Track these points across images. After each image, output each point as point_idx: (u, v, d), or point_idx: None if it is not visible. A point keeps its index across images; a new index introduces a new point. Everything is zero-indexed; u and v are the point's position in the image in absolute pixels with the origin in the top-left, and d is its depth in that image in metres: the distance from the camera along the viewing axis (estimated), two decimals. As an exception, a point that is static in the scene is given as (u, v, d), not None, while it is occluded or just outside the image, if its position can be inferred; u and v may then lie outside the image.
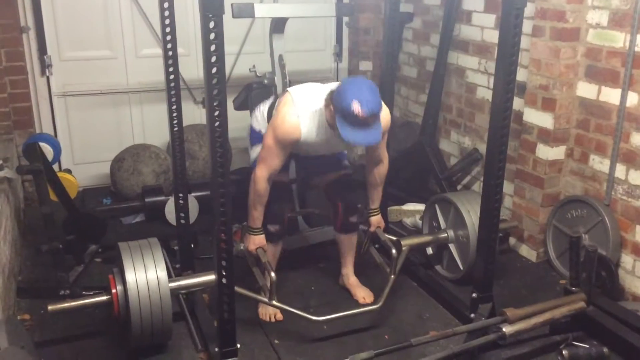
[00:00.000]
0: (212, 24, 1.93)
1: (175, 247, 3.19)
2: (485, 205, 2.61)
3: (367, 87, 2.39)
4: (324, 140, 2.62)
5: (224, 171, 2.12)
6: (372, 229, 2.97)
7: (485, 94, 3.73)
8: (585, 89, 3.10)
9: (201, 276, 2.56)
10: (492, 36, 3.58)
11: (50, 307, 2.36)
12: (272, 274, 2.61)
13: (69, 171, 4.09)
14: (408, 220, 3.86)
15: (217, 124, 2.05)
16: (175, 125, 2.83)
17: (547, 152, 3.24)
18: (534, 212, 3.38)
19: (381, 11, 3.40)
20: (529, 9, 2.89)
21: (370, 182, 2.91)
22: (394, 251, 2.83)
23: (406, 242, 3.02)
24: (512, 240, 3.56)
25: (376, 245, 3.06)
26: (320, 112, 2.56)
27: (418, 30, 4.34)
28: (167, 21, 2.67)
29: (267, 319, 2.83)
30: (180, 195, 2.94)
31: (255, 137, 2.87)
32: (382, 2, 3.39)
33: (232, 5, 2.90)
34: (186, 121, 3.05)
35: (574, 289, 2.64)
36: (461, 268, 3.08)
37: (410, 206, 3.92)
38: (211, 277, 2.45)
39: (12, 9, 3.76)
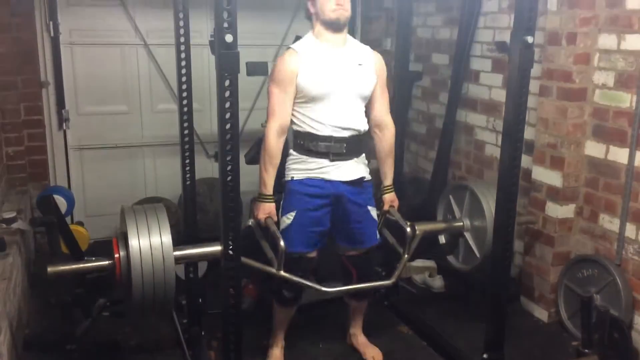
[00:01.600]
0: (227, 82, 2.00)
1: (183, 302, 3.18)
2: (495, 263, 2.60)
3: None
4: (327, 67, 2.55)
5: (235, 225, 2.14)
6: (385, 207, 2.85)
7: (493, 151, 3.77)
8: (593, 148, 3.13)
9: (207, 246, 2.45)
10: (500, 95, 3.64)
11: (49, 269, 2.30)
12: (282, 243, 2.48)
13: (81, 223, 4.12)
14: (417, 277, 3.83)
15: (229, 178, 2.08)
16: (188, 179, 2.88)
17: (556, 210, 3.24)
18: (544, 271, 3.35)
19: (391, 70, 3.48)
20: (536, 70, 2.95)
21: (379, 154, 2.81)
22: (408, 230, 2.74)
23: (421, 227, 2.90)
24: (523, 300, 3.51)
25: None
26: (313, 38, 2.59)
27: (427, 89, 4.42)
28: (184, 78, 2.76)
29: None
30: (190, 248, 2.95)
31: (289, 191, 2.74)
32: (392, 60, 3.48)
33: (246, 63, 2.98)
34: (198, 175, 3.09)
35: (586, 350, 2.59)
36: (478, 256, 2.98)
37: (419, 263, 3.89)
38: (217, 247, 2.34)
39: (33, 65, 3.89)
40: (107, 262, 2.37)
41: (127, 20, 4.15)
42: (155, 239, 2.28)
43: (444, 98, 4.16)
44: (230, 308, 2.24)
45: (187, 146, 2.85)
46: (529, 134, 3.20)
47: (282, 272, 2.52)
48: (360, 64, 2.62)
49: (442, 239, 3.25)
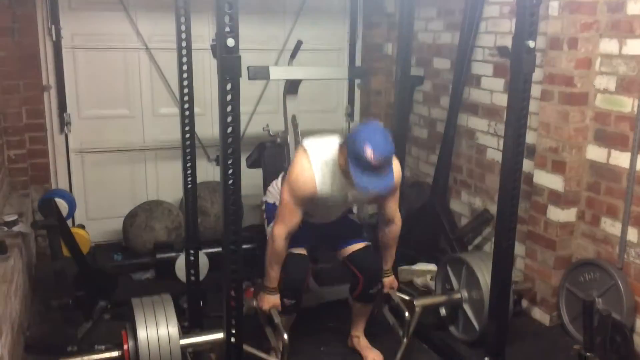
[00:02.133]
0: (229, 86, 2.00)
1: (185, 305, 3.17)
2: (496, 267, 2.60)
3: (380, 132, 2.39)
4: (339, 192, 2.60)
5: (237, 228, 2.14)
6: (385, 289, 2.93)
7: (495, 155, 3.77)
8: (595, 152, 3.13)
9: (212, 333, 2.53)
10: (501, 99, 3.65)
11: None
12: (285, 337, 2.57)
13: (82, 227, 4.13)
14: (419, 280, 3.83)
15: (230, 181, 2.09)
16: (189, 182, 2.88)
17: (558, 214, 3.24)
18: (546, 274, 3.35)
19: (392, 74, 3.48)
20: (537, 74, 2.96)
21: (383, 243, 2.90)
22: (407, 314, 2.81)
23: (419, 303, 2.98)
24: (525, 303, 3.50)
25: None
26: (334, 162, 2.55)
27: (428, 93, 4.43)
28: (185, 82, 2.76)
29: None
30: (191, 251, 2.95)
31: (271, 211, 2.84)
32: (393, 65, 3.48)
33: (248, 68, 2.99)
34: (199, 178, 3.10)
35: (588, 354, 2.59)
36: (477, 328, 3.02)
37: (421, 266, 3.89)
38: (221, 335, 2.42)
39: (35, 69, 3.90)
40: (116, 353, 2.46)
41: (129, 24, 4.16)
42: (163, 330, 2.40)
43: (445, 102, 4.16)
44: (231, 311, 2.24)
45: (188, 150, 2.85)
46: (530, 138, 3.20)
47: None
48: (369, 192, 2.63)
49: (442, 312, 3.29)
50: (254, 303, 2.75)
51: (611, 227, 3.07)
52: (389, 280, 2.94)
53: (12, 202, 3.69)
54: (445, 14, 4.19)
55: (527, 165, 3.06)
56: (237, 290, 2.20)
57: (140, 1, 4.14)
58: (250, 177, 3.19)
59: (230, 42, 1.95)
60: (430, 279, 3.77)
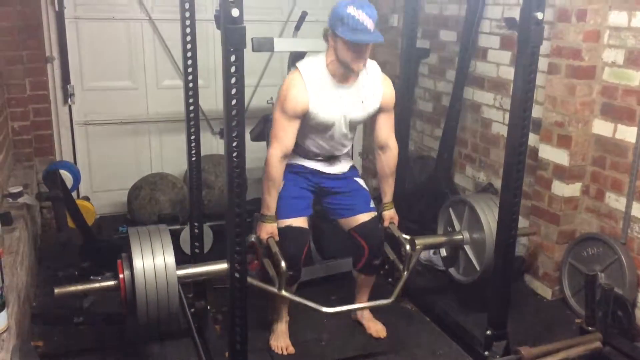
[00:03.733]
0: (233, 58, 1.98)
1: (189, 276, 3.20)
2: (500, 241, 2.60)
3: None
4: (333, 105, 2.58)
5: (241, 201, 2.15)
6: (385, 223, 2.89)
7: (500, 129, 3.75)
8: (601, 127, 3.11)
9: (212, 264, 2.53)
10: (508, 73, 3.61)
11: (56, 291, 2.36)
12: (283, 264, 2.52)
13: (87, 199, 4.14)
14: (422, 255, 3.84)
15: (235, 154, 2.08)
16: (194, 155, 2.88)
17: (562, 189, 3.23)
18: (549, 249, 3.35)
19: (398, 46, 3.45)
20: (545, 47, 2.92)
21: (381, 173, 2.87)
22: (407, 247, 2.78)
23: (420, 242, 2.95)
24: (527, 277, 3.52)
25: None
26: (325, 69, 2.58)
27: (434, 66, 4.39)
28: (189, 54, 2.74)
29: (279, 352, 2.82)
30: (196, 224, 2.96)
31: None
32: (398, 37, 3.45)
33: (252, 39, 2.96)
34: (203, 151, 3.09)
35: (589, 328, 2.61)
36: (477, 269, 3.02)
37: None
38: (223, 265, 2.40)
39: (37, 40, 3.87)
40: (112, 282, 2.44)
41: (132, -6, 4.12)
42: (159, 260, 2.36)
43: (451, 75, 4.12)
44: (236, 282, 2.25)
45: (192, 122, 2.84)
46: (536, 112, 3.18)
47: (283, 292, 2.59)
48: (362, 102, 2.64)
49: (443, 252, 3.28)
50: (252, 237, 2.70)
51: (615, 202, 3.06)
52: (389, 214, 2.90)
53: (16, 173, 3.70)
54: (452, -15, 4.13)
55: (532, 139, 3.05)
56: (241, 225, 2.18)
57: (143, -29, 4.10)
58: (254, 151, 3.18)
59: (235, 12, 1.93)
60: (434, 253, 3.79)
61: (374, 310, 3.07)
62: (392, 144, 2.82)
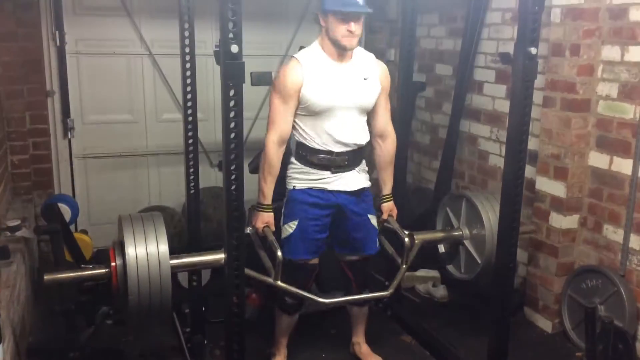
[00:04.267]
0: (232, 92, 2.01)
1: (186, 310, 3.18)
2: (498, 273, 2.60)
3: None
4: (331, 82, 2.55)
5: (239, 234, 2.15)
6: (384, 216, 2.86)
7: (497, 161, 3.77)
8: (597, 159, 3.13)
9: (207, 255, 2.44)
10: (503, 105, 3.65)
11: (46, 277, 2.30)
12: (279, 253, 2.48)
13: (85, 232, 4.13)
14: (421, 287, 3.83)
15: (233, 187, 2.09)
16: (192, 188, 2.89)
17: (560, 221, 3.24)
18: (548, 281, 3.34)
19: (395, 80, 3.49)
20: (539, 81, 2.96)
21: (380, 163, 2.82)
22: (406, 240, 2.75)
23: (419, 237, 2.90)
24: (527, 310, 3.50)
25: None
26: (319, 50, 2.57)
27: (431, 99, 4.44)
28: (189, 88, 2.78)
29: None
30: (194, 257, 2.95)
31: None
32: (395, 71, 3.50)
33: (251, 73, 2.99)
34: (202, 184, 3.10)
35: (590, 361, 2.58)
36: (479, 262, 2.96)
37: (423, 272, 3.89)
38: (219, 255, 2.34)
39: (39, 75, 3.91)
40: (104, 270, 2.38)
41: (132, 30, 4.18)
42: (152, 248, 2.28)
43: (447, 108, 4.17)
44: (233, 317, 2.24)
45: (191, 155, 2.86)
46: (532, 144, 3.21)
47: (279, 282, 2.53)
48: (365, 78, 2.62)
49: (441, 249, 3.24)
50: (248, 229, 2.64)
51: (613, 234, 3.06)
52: (388, 206, 2.86)
53: (15, 207, 3.70)
54: (447, 20, 4.20)
55: (529, 171, 3.07)
56: (240, 212, 2.15)
57: (144, 7, 4.16)
58: (253, 183, 3.19)
59: (234, 48, 1.96)
60: (433, 286, 3.77)
61: (372, 345, 3.04)
62: (390, 132, 2.78)
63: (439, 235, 3.15)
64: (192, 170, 2.88)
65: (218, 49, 2.02)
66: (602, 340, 2.54)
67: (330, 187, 2.64)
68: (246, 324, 2.30)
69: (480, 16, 3.78)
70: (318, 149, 2.61)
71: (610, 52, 3.01)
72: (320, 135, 2.60)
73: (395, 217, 2.88)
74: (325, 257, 3.01)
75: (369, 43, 4.77)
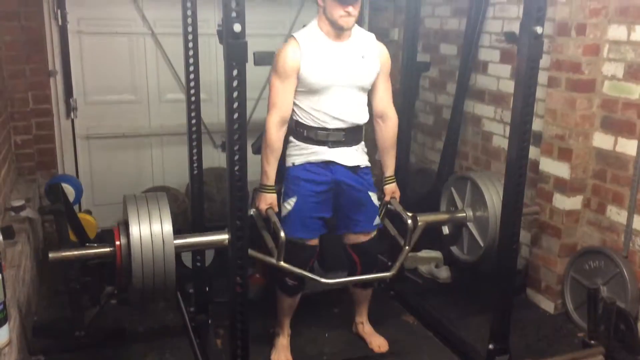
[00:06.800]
0: (235, 72, 2.00)
1: (191, 290, 3.20)
2: (502, 255, 2.60)
3: None
4: (330, 59, 2.55)
5: (242, 214, 2.15)
6: (386, 198, 2.86)
7: (501, 142, 3.76)
8: (602, 140, 3.11)
9: (211, 235, 2.45)
10: (508, 86, 3.63)
11: (51, 255, 2.32)
12: (282, 234, 2.49)
13: (89, 212, 4.14)
14: (424, 268, 3.84)
15: (236, 167, 2.09)
16: (195, 168, 2.89)
17: (563, 202, 3.23)
18: (551, 262, 3.35)
19: (398, 60, 3.46)
20: (545, 61, 2.94)
21: (381, 144, 2.83)
22: (409, 222, 2.75)
23: (422, 218, 2.90)
24: (529, 291, 3.51)
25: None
26: (317, 29, 2.57)
27: (435, 79, 4.41)
28: (191, 68, 2.77)
29: (280, 365, 2.81)
30: (197, 237, 2.96)
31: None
32: (399, 51, 3.47)
33: (254, 53, 2.96)
34: (205, 164, 3.10)
35: (592, 342, 2.60)
36: (481, 245, 2.98)
37: (425, 253, 3.90)
38: (223, 236, 2.34)
39: (41, 54, 3.89)
40: (108, 249, 2.39)
41: (134, 9, 4.14)
42: (156, 227, 2.29)
43: (451, 89, 4.14)
44: (237, 297, 2.25)
45: (194, 136, 2.86)
46: (536, 125, 3.19)
47: (282, 263, 2.54)
48: (363, 57, 2.61)
49: (445, 230, 3.24)
50: (251, 211, 2.65)
51: (617, 215, 3.06)
52: (390, 188, 2.87)
53: (19, 187, 3.71)
54: (452, -1, 4.16)
55: (533, 152, 3.06)
56: (243, 193, 2.16)
57: (146, -14, 4.13)
58: (256, 164, 3.19)
59: (237, 27, 1.95)
60: (436, 266, 3.79)
61: (375, 325, 3.06)
62: (391, 113, 2.77)
63: (443, 216, 3.15)
64: (195, 150, 2.88)
65: (221, 28, 2.01)
66: (605, 321, 2.55)
67: (326, 158, 2.65)
68: (250, 303, 2.31)
69: (486, -5, 3.74)
70: (315, 126, 2.62)
71: (617, 32, 2.98)
72: (318, 112, 2.60)
73: (398, 199, 2.88)
74: (330, 240, 3.02)
75: (373, 22, 4.74)
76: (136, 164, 4.41)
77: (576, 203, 3.24)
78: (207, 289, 3.11)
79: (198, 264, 3.04)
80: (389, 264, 3.32)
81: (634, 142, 2.92)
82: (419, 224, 2.85)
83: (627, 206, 3.00)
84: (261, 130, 3.37)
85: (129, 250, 2.28)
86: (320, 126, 2.61)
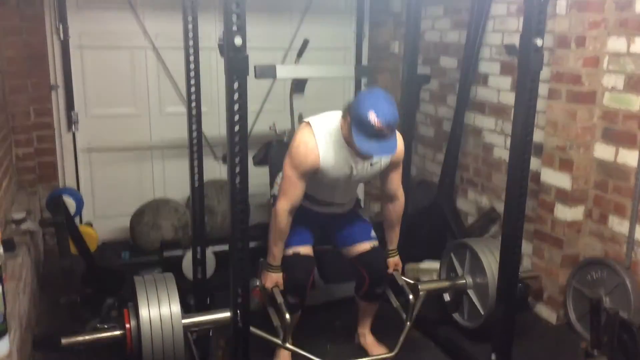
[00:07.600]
0: (236, 85, 2.00)
1: (192, 302, 3.19)
2: (504, 266, 2.60)
3: (384, 98, 2.37)
4: (343, 164, 2.57)
5: (244, 226, 2.15)
6: (389, 270, 2.90)
7: (502, 154, 3.76)
8: (603, 151, 3.12)
9: (216, 313, 2.53)
10: (509, 98, 3.64)
11: (63, 341, 2.36)
12: (287, 315, 2.54)
13: (90, 224, 4.15)
14: (425, 279, 3.82)
15: (237, 180, 2.09)
16: (196, 181, 2.89)
17: (565, 213, 3.23)
18: (553, 273, 3.34)
19: (399, 73, 3.48)
20: (545, 72, 2.95)
21: (387, 222, 2.87)
22: (411, 297, 2.78)
23: (424, 287, 2.95)
24: (532, 302, 3.50)
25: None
26: (338, 132, 2.53)
27: (435, 92, 4.42)
28: (193, 81, 2.77)
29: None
30: (198, 249, 2.96)
31: None
32: (399, 64, 3.49)
33: (255, 66, 2.99)
34: (206, 177, 3.10)
35: (595, 352, 2.58)
36: (482, 313, 3.00)
37: (427, 264, 3.89)
38: (226, 314, 2.40)
39: (43, 69, 3.92)
40: (118, 332, 2.45)
41: (136, 23, 4.18)
42: (165, 309, 2.37)
43: (452, 101, 4.15)
44: (239, 308, 2.24)
45: (195, 148, 2.86)
46: (537, 136, 3.19)
47: (288, 344, 2.61)
48: (372, 164, 2.63)
49: (446, 297, 3.28)
50: (257, 283, 2.71)
51: (619, 225, 3.06)
52: (394, 261, 2.90)
53: (20, 200, 3.71)
54: (452, 12, 4.18)
55: (534, 163, 3.06)
56: (244, 205, 2.17)
57: (147, 0, 4.16)
58: (257, 176, 3.19)
59: (238, 41, 1.96)
60: (437, 277, 3.77)
61: (378, 335, 3.04)
62: (400, 195, 2.82)
63: (444, 284, 3.19)
64: (196, 163, 2.88)
65: (222, 42, 2.02)
66: (607, 332, 2.54)
67: (315, 210, 2.82)
68: (251, 315, 2.30)
69: (485, 8, 3.76)
70: (309, 198, 2.75)
71: (616, 44, 2.99)
72: (313, 192, 2.72)
73: (400, 272, 2.93)
74: (329, 251, 3.03)
75: (373, 36, 4.76)
76: (137, 177, 4.42)
77: (578, 214, 3.24)
78: (208, 300, 3.10)
79: (199, 276, 3.03)
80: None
81: (635, 153, 2.93)
82: (421, 293, 2.91)
83: (629, 217, 2.99)
84: (262, 143, 3.41)
85: (138, 333, 2.35)
86: (315, 198, 2.77)
